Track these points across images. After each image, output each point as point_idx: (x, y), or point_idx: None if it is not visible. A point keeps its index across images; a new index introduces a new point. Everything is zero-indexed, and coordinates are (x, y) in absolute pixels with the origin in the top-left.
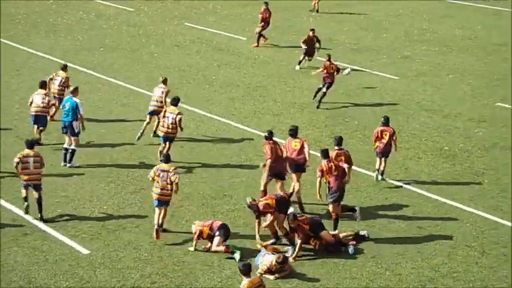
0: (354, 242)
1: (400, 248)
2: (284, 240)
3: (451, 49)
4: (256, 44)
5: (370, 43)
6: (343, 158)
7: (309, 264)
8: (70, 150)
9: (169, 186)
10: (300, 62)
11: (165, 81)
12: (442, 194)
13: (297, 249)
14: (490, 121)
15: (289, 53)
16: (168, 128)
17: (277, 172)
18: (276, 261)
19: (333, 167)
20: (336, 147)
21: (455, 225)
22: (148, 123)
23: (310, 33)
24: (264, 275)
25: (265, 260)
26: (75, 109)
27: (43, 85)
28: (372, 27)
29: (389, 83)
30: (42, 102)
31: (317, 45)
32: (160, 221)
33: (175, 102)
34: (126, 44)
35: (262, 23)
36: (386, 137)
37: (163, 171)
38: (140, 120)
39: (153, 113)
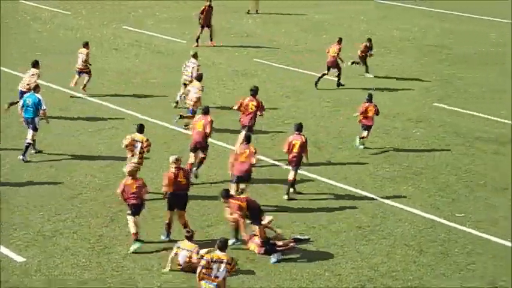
0: (294, 244)
1: (339, 248)
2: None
3: (389, 50)
4: (213, 43)
5: (309, 44)
6: (299, 142)
7: (249, 266)
8: (26, 144)
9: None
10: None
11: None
12: (381, 194)
13: (241, 228)
14: (427, 121)
15: (229, 55)
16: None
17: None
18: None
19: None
20: (296, 132)
21: (394, 225)
22: None
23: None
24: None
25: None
26: (37, 105)
27: (35, 64)
28: (311, 28)
29: (330, 84)
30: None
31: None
32: None
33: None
34: (62, 48)
35: (206, 24)
36: (371, 113)
37: (137, 141)
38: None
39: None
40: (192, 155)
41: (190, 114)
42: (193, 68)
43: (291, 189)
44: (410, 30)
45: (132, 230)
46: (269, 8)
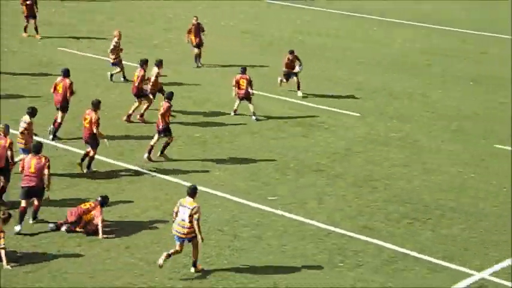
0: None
1: (154, 236)
2: None
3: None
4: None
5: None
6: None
7: (59, 260)
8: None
9: None
10: None
11: None
12: (193, 180)
13: None
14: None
15: (32, 43)
16: None
17: None
18: None
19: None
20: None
21: (207, 211)
22: None
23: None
24: None
25: None
26: None
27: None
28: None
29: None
30: None
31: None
32: None
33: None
34: None
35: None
36: (244, 84)
37: None
38: None
39: None
40: None
41: None
42: None
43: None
44: (219, 15)
45: None
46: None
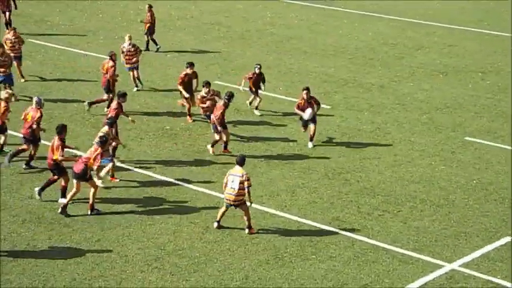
0: None
1: (125, 229)
2: None
3: (167, 28)
4: None
5: (84, 24)
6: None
7: (30, 254)
8: None
9: None
10: None
11: None
12: (166, 174)
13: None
14: None
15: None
16: None
17: None
18: None
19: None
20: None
21: (179, 204)
22: None
23: None
24: None
25: None
26: None
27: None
28: (86, 8)
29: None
30: None
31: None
32: None
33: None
34: None
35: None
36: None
37: None
38: None
39: None
40: None
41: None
42: None
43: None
44: (188, 8)
45: None
46: None
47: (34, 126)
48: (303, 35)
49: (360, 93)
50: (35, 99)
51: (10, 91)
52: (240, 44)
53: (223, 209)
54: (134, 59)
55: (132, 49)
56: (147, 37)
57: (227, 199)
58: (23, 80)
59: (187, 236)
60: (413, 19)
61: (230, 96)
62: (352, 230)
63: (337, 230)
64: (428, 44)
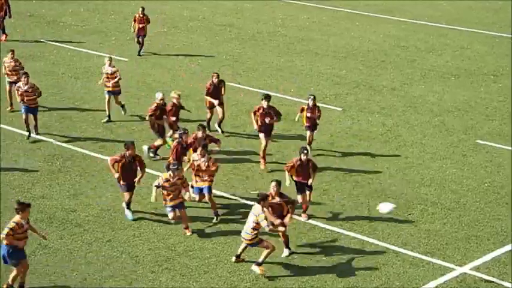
0: None
1: (136, 230)
2: None
3: (179, 30)
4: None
5: (97, 25)
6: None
7: (41, 253)
8: None
9: None
10: None
11: None
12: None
13: None
14: None
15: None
16: None
17: None
18: None
19: None
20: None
21: (190, 204)
22: None
23: None
24: None
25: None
26: None
27: None
28: (99, 9)
29: (120, 65)
30: None
31: None
32: None
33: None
34: None
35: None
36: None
37: None
38: None
39: None
40: None
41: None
42: None
43: None
44: (200, 10)
45: None
46: None
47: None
48: (314, 36)
49: (371, 96)
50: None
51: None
52: (252, 45)
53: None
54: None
55: (110, 71)
56: (141, 40)
57: (243, 237)
58: (8, 109)
59: (198, 237)
60: (422, 21)
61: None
62: (362, 232)
63: (347, 232)
64: (440, 47)
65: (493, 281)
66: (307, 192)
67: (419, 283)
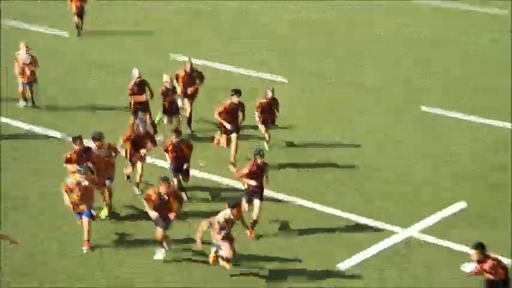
0: None
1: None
2: None
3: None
4: None
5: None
6: None
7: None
8: None
9: None
10: None
11: None
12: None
13: None
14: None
15: None
16: None
17: None
18: None
19: None
20: None
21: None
22: None
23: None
24: None
25: None
26: None
27: None
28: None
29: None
30: None
31: None
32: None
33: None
34: None
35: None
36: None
37: None
38: None
39: None
40: None
41: None
42: None
43: None
44: None
45: None
46: None
47: None
48: None
49: None
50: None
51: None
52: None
53: None
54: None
55: (29, 60)
56: (80, 19)
57: None
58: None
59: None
60: None
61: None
62: (309, 199)
63: (294, 199)
64: None
65: (436, 243)
66: (258, 203)
67: (365, 247)
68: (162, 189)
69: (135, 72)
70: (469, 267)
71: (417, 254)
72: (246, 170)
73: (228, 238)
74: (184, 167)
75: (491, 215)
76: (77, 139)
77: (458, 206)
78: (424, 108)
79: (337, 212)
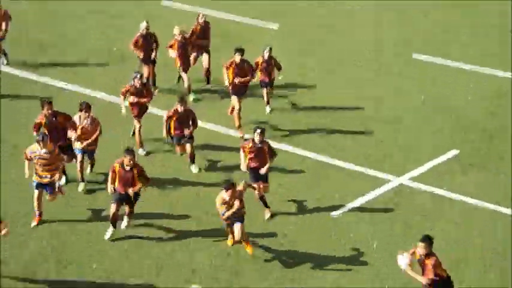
0: None
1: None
2: None
3: None
4: None
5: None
6: None
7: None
8: None
9: None
10: None
11: None
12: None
13: None
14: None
15: None
16: None
17: None
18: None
19: None
20: None
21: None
22: None
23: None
24: None
25: None
26: None
27: None
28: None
29: None
30: None
31: None
32: None
33: None
34: None
35: None
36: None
37: None
38: None
39: None
40: None
41: None
42: None
43: None
44: None
45: None
46: None
47: None
48: None
49: None
50: None
51: None
52: None
53: None
54: None
55: None
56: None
57: None
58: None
59: None
60: None
61: None
62: (300, 147)
63: (286, 147)
64: None
65: (429, 191)
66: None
67: (358, 194)
68: (126, 160)
69: (143, 24)
70: (403, 261)
71: (409, 202)
72: (244, 151)
73: (237, 219)
74: (186, 133)
75: (484, 161)
76: (46, 103)
77: (452, 153)
78: (415, 55)
79: (330, 161)
